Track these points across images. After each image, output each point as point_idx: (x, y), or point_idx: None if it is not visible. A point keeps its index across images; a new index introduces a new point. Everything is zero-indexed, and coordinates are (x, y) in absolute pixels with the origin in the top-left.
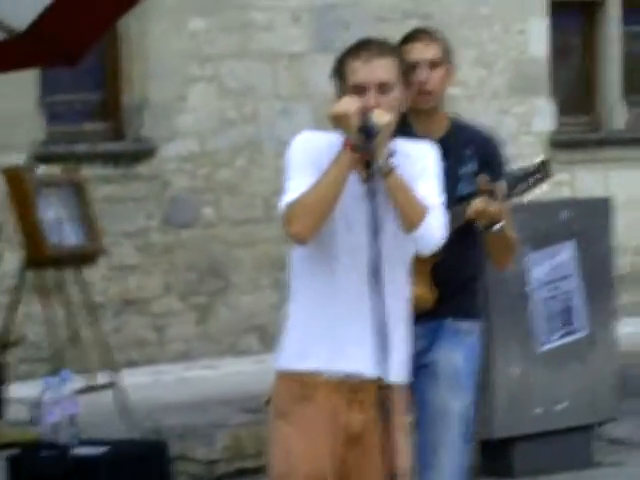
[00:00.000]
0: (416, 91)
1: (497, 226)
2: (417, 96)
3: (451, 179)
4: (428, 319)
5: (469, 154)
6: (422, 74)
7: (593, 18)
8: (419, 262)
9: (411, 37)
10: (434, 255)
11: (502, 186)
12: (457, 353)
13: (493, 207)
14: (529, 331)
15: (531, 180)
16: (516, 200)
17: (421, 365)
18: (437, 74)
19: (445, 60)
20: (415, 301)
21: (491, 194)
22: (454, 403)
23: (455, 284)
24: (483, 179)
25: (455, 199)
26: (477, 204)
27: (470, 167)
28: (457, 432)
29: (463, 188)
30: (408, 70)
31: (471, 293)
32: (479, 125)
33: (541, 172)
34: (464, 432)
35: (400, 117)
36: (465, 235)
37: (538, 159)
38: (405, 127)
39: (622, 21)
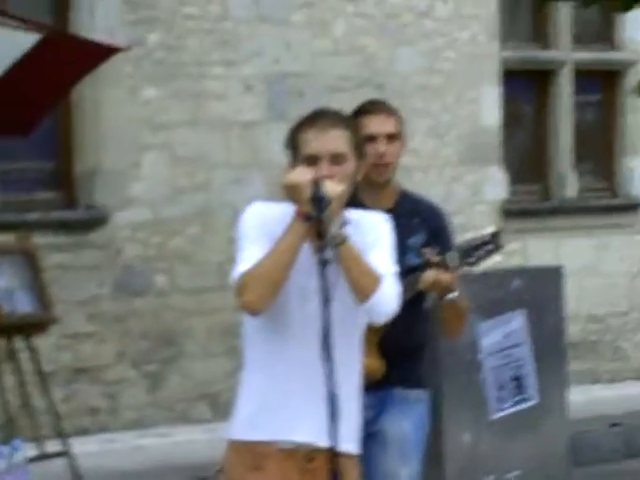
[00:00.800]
0: (372, 164)
1: (451, 295)
2: (373, 169)
3: (399, 250)
4: (377, 388)
5: (417, 225)
6: (380, 147)
7: (545, 87)
8: (368, 332)
9: (369, 110)
10: (383, 325)
11: (451, 257)
12: (406, 421)
13: (445, 278)
14: (481, 399)
15: (482, 251)
16: (467, 271)
17: (370, 433)
18: (394, 148)
19: (401, 134)
20: (365, 371)
21: (438, 266)
22: (403, 471)
23: (403, 353)
24: (429, 252)
25: (404, 269)
26: (429, 276)
27: (418, 238)
28: None
29: (411, 259)
30: (362, 142)
31: (419, 362)
32: (426, 197)
33: (492, 243)
34: None
35: (352, 190)
36: (412, 304)
37: (489, 230)
38: (353, 198)
39: (573, 90)
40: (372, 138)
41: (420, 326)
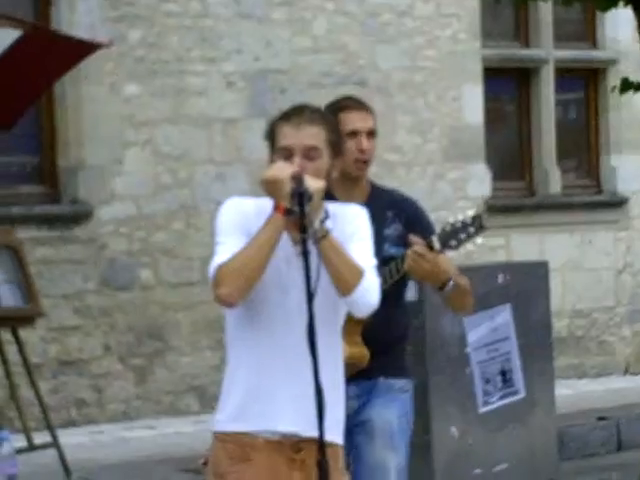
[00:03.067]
0: (352, 159)
1: (450, 284)
2: (353, 164)
3: (376, 240)
4: (361, 379)
5: (391, 217)
6: (363, 143)
7: (527, 84)
8: (351, 323)
9: (350, 106)
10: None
11: (433, 241)
12: (391, 410)
13: (424, 251)
14: (468, 392)
15: (464, 234)
16: (451, 253)
17: (356, 423)
18: (372, 144)
19: (377, 131)
20: (352, 361)
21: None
22: (390, 458)
23: (386, 343)
24: (413, 237)
25: (381, 260)
26: (410, 257)
27: (394, 229)
28: None
29: (389, 249)
30: (340, 140)
31: (401, 352)
32: (396, 189)
33: (474, 226)
34: None
35: None
36: (393, 295)
37: (470, 213)
38: (326, 195)
39: (555, 88)
40: (354, 134)
41: (401, 317)
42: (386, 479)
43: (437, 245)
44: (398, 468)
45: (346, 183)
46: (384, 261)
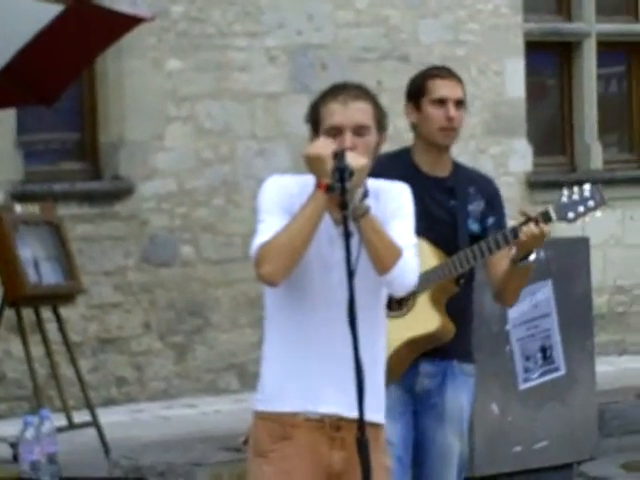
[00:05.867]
0: (439, 127)
1: (532, 257)
2: (439, 132)
3: (461, 216)
4: (437, 358)
5: (473, 193)
6: (451, 110)
7: (569, 59)
8: (438, 291)
9: (438, 74)
10: (451, 286)
11: (551, 213)
12: (463, 396)
13: (547, 230)
14: (508, 369)
15: (582, 207)
16: (569, 225)
17: (426, 405)
18: (461, 114)
19: (465, 102)
20: (442, 330)
21: (536, 221)
22: (457, 445)
23: (463, 325)
24: (525, 210)
25: (466, 235)
26: (532, 228)
27: (476, 205)
28: (458, 469)
29: (472, 224)
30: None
31: (471, 333)
32: (476, 168)
33: (594, 199)
34: (463, 468)
35: (404, 155)
36: (471, 277)
37: (587, 186)
38: (410, 165)
39: (597, 62)
40: (441, 102)
41: (472, 298)
42: (451, 465)
43: (554, 217)
44: (462, 455)
45: (431, 153)
46: (469, 236)
